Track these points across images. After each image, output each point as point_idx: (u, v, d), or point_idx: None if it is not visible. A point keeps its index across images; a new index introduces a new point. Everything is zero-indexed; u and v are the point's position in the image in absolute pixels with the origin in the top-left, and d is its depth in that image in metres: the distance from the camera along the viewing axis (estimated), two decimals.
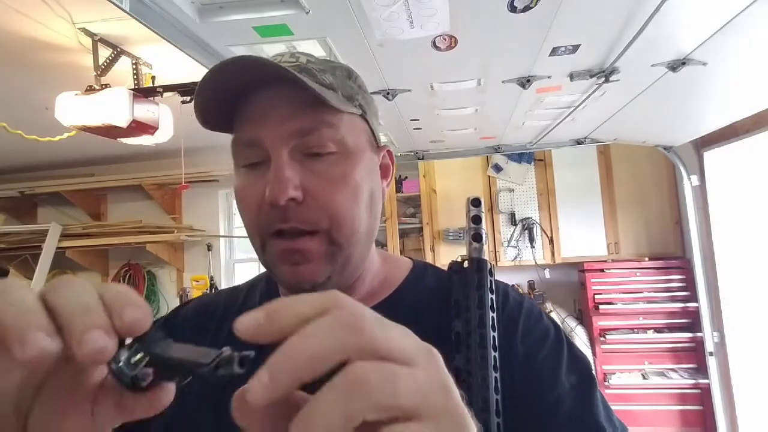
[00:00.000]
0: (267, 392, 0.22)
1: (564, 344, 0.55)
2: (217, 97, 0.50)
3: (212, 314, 0.62)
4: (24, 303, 0.24)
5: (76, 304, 0.25)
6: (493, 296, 0.50)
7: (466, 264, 0.46)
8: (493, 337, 0.45)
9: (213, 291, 3.58)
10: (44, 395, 0.28)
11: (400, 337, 0.24)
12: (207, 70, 0.48)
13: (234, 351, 0.24)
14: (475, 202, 0.44)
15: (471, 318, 0.43)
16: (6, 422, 0.27)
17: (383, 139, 2.57)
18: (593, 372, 0.55)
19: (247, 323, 0.23)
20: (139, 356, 0.26)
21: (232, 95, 0.51)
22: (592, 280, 3.29)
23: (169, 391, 0.28)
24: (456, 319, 0.45)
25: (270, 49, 1.32)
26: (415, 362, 0.23)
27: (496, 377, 0.42)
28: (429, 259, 3.59)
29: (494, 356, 0.44)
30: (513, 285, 3.72)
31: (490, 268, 0.48)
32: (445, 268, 0.57)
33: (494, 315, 0.46)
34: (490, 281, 0.49)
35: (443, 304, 0.53)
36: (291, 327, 0.23)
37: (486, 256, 0.46)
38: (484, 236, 0.45)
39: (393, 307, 0.57)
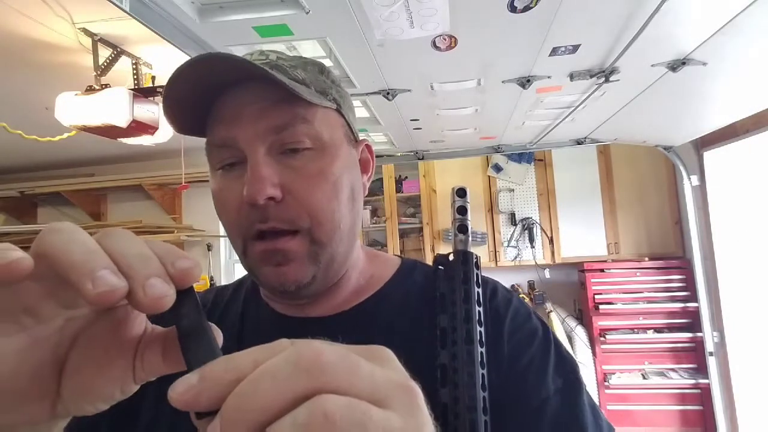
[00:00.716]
0: None
1: (552, 345, 0.54)
2: (187, 96, 0.49)
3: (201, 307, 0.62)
4: (88, 244, 0.25)
5: (135, 252, 0.26)
6: (480, 290, 0.49)
7: (451, 257, 0.46)
8: (480, 332, 0.44)
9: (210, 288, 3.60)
10: (81, 346, 0.28)
11: (372, 373, 0.21)
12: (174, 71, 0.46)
13: None
14: (460, 192, 0.43)
15: (457, 313, 0.42)
16: (43, 369, 0.27)
17: (383, 138, 2.57)
18: (580, 374, 0.54)
19: (179, 389, 0.21)
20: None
21: (203, 95, 0.50)
22: (592, 280, 3.29)
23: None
24: (441, 314, 0.44)
25: (270, 50, 1.32)
26: (390, 404, 0.20)
27: (483, 374, 0.41)
28: (429, 260, 3.59)
29: (481, 352, 0.43)
30: (513, 285, 3.69)
31: (477, 261, 0.48)
32: (432, 262, 0.56)
33: (481, 309, 0.46)
34: (477, 275, 0.48)
35: (430, 299, 0.52)
36: (232, 383, 0.20)
37: (471, 247, 0.45)
38: (469, 228, 0.44)
39: (378, 304, 0.56)
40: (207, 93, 0.50)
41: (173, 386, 0.21)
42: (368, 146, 0.60)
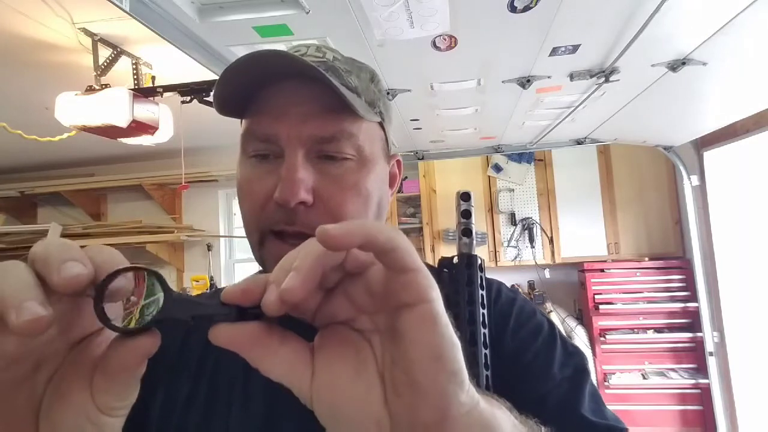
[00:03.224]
0: (302, 281, 0.25)
1: (557, 339, 0.55)
2: (240, 81, 0.48)
3: None
4: None
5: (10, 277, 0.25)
6: (484, 292, 0.49)
7: (456, 260, 0.46)
8: (484, 334, 0.44)
9: (212, 291, 3.59)
10: (51, 383, 0.29)
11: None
12: (234, 60, 0.46)
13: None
14: (465, 197, 0.43)
15: (461, 314, 0.42)
16: (22, 418, 0.28)
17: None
18: (587, 365, 0.54)
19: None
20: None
21: (253, 83, 0.49)
22: (592, 280, 3.29)
23: (155, 338, 0.28)
24: None
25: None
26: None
27: (487, 375, 0.41)
28: (429, 260, 3.59)
29: (485, 354, 0.43)
30: (513, 285, 3.68)
31: (481, 264, 0.48)
32: (436, 264, 0.56)
33: (485, 311, 0.46)
34: (481, 277, 0.48)
35: None
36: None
37: (475, 251, 0.45)
38: (473, 231, 0.44)
39: None
40: (258, 81, 0.49)
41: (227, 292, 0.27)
42: (399, 161, 0.60)
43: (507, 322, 0.54)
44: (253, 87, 0.49)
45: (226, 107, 0.51)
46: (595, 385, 0.54)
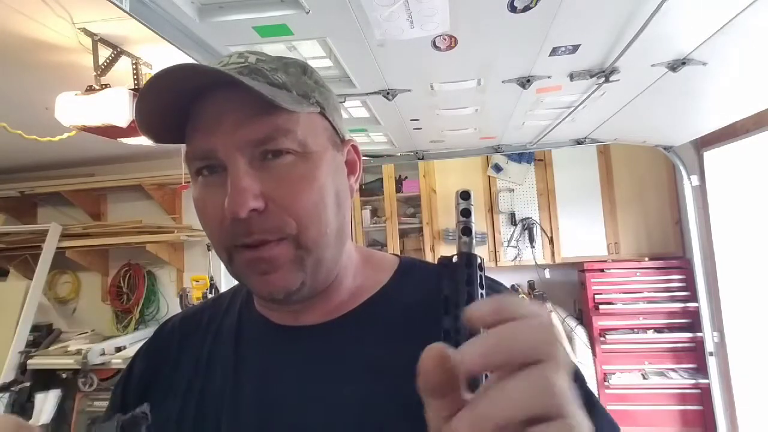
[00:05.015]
0: (481, 360, 0.26)
1: None
2: (161, 108, 0.47)
3: (198, 322, 0.62)
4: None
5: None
6: (484, 292, 0.49)
7: (455, 259, 0.46)
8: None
9: (213, 291, 3.59)
10: None
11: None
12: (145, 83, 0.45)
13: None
14: (464, 195, 0.43)
15: (460, 314, 0.43)
16: None
17: (383, 138, 2.57)
18: (580, 373, 0.54)
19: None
20: None
21: (177, 102, 0.48)
22: (592, 280, 3.29)
23: None
24: (445, 315, 0.45)
25: (270, 50, 1.32)
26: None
27: (485, 374, 0.42)
28: (429, 260, 3.59)
29: None
30: (513, 285, 3.69)
31: (480, 263, 0.48)
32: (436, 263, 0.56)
33: None
34: (480, 276, 0.48)
35: (430, 301, 0.51)
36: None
37: (475, 250, 0.45)
38: (473, 230, 0.44)
39: (374, 308, 0.55)
40: (183, 99, 0.48)
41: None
42: (354, 147, 0.59)
43: None
44: (177, 107, 0.48)
45: (159, 136, 0.51)
46: (586, 385, 0.53)
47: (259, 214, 0.46)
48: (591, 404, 0.52)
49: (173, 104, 0.48)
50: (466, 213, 0.43)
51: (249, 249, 0.48)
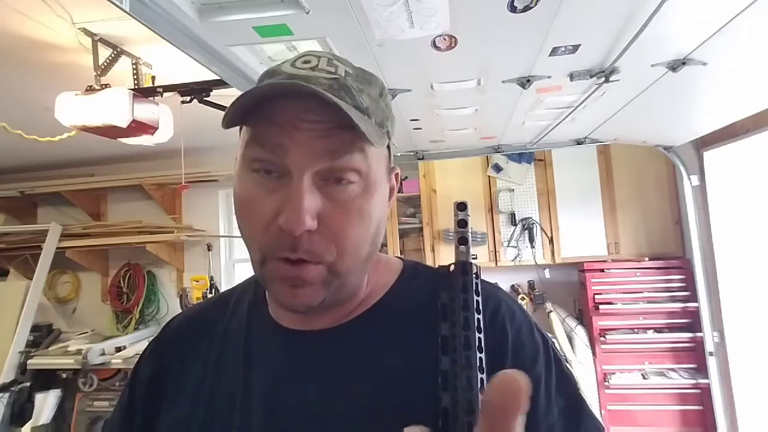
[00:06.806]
0: None
1: (553, 363, 0.54)
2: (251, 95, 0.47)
3: (203, 323, 0.62)
4: None
5: None
6: (479, 298, 0.50)
7: (452, 268, 0.47)
8: (479, 338, 0.45)
9: (213, 291, 3.59)
10: None
11: None
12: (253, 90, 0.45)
13: None
14: (461, 206, 0.44)
15: (456, 321, 0.43)
16: None
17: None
18: (580, 392, 0.54)
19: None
20: None
21: (263, 96, 0.47)
22: (592, 280, 3.29)
23: None
24: (443, 322, 0.45)
25: (270, 49, 1.32)
26: None
27: (482, 378, 0.42)
28: (429, 260, 3.59)
29: (480, 357, 0.44)
30: (513, 285, 3.67)
31: (477, 271, 0.49)
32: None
33: (479, 317, 0.47)
34: (476, 284, 0.49)
35: (431, 307, 0.51)
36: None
37: (471, 258, 0.46)
38: (469, 240, 0.45)
39: (381, 313, 0.56)
40: (268, 96, 0.47)
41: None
42: (397, 174, 0.59)
43: (506, 337, 0.53)
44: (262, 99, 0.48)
45: (231, 123, 0.49)
46: (589, 408, 0.54)
47: (309, 233, 0.46)
48: (577, 410, 0.53)
49: (261, 96, 0.47)
50: (462, 224, 0.44)
51: (287, 263, 0.48)
